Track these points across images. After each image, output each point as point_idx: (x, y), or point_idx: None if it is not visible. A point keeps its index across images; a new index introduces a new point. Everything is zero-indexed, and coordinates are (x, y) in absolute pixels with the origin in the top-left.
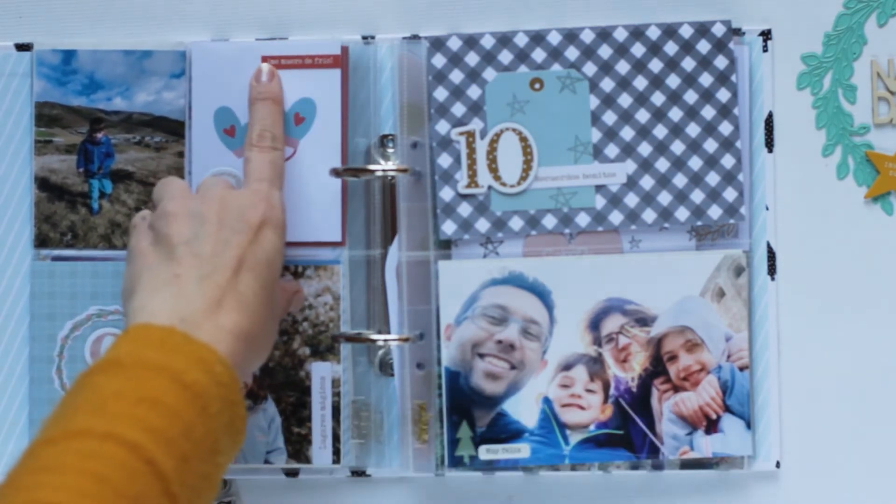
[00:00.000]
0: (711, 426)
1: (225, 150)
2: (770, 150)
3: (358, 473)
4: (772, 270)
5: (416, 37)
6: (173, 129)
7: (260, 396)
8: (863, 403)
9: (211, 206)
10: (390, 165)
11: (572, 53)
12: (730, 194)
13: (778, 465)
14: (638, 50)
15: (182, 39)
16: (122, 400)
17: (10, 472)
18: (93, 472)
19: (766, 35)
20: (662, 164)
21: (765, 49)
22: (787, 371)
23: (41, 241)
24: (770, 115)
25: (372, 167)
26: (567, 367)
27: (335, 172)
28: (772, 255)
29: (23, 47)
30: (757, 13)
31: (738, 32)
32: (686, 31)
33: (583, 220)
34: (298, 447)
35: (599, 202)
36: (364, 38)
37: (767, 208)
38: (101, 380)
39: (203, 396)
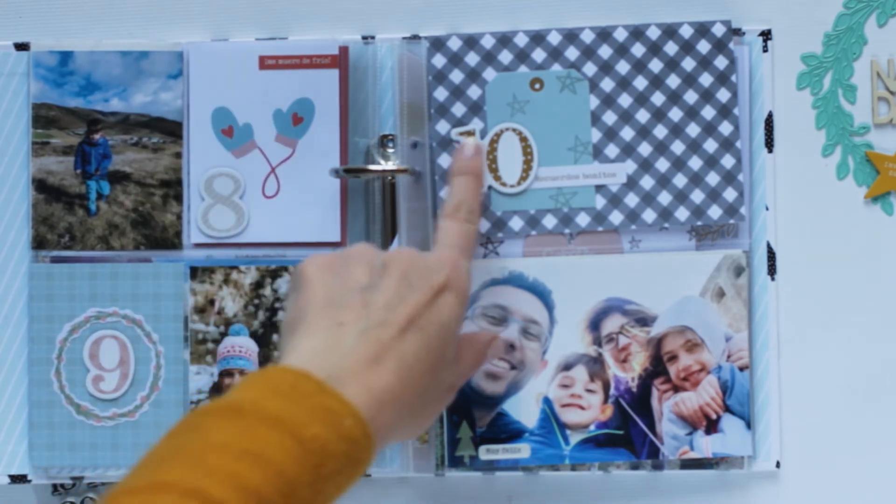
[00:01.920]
0: (711, 426)
1: (223, 151)
2: (770, 150)
3: None
4: (772, 270)
5: (416, 37)
6: (171, 129)
7: None
8: (863, 403)
9: (397, 260)
10: (390, 165)
11: (572, 53)
12: (730, 194)
13: (778, 465)
14: (638, 50)
15: (181, 40)
16: (225, 452)
17: None
18: None
19: (766, 35)
20: (662, 164)
21: (765, 49)
22: (787, 371)
23: (39, 243)
24: (770, 115)
25: (372, 167)
26: (567, 367)
27: (335, 172)
28: (772, 255)
29: (21, 47)
30: (757, 13)
31: (738, 32)
32: (686, 32)
33: (583, 220)
34: None
35: (599, 202)
36: (364, 38)
37: (767, 208)
38: (212, 423)
39: (319, 454)
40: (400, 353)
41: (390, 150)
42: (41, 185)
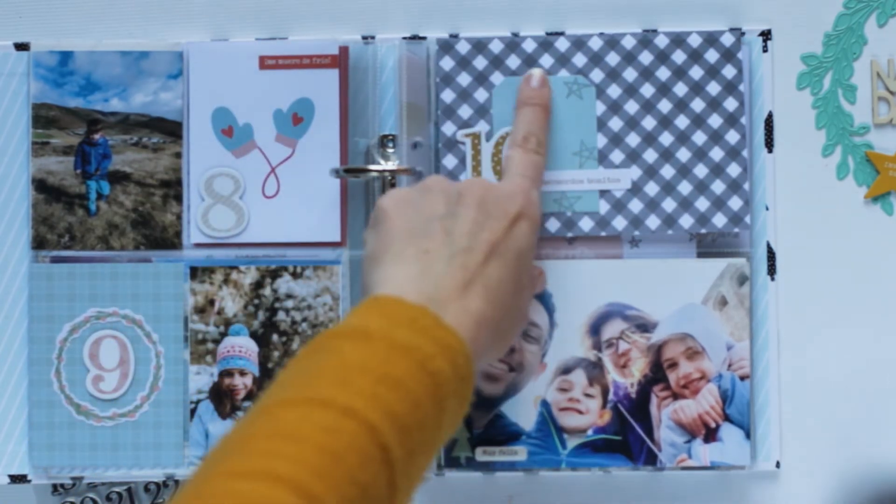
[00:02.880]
0: (710, 435)
1: (223, 151)
2: (770, 151)
3: None
4: (772, 271)
5: (416, 37)
6: (171, 129)
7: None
8: (863, 403)
9: (472, 189)
10: (390, 165)
11: (580, 60)
12: (735, 203)
13: (778, 465)
14: (646, 58)
15: (181, 39)
16: (367, 375)
17: (240, 427)
18: (331, 449)
19: (766, 35)
20: (668, 171)
21: (765, 49)
22: (787, 370)
23: (39, 243)
24: (770, 115)
25: (372, 167)
26: (566, 370)
27: (335, 172)
28: (772, 256)
29: (21, 47)
30: (757, 13)
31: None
32: (694, 41)
33: (586, 224)
34: None
35: (603, 207)
36: (364, 38)
37: (767, 208)
38: (346, 346)
39: (443, 387)
40: (486, 279)
41: (390, 150)
42: (41, 185)
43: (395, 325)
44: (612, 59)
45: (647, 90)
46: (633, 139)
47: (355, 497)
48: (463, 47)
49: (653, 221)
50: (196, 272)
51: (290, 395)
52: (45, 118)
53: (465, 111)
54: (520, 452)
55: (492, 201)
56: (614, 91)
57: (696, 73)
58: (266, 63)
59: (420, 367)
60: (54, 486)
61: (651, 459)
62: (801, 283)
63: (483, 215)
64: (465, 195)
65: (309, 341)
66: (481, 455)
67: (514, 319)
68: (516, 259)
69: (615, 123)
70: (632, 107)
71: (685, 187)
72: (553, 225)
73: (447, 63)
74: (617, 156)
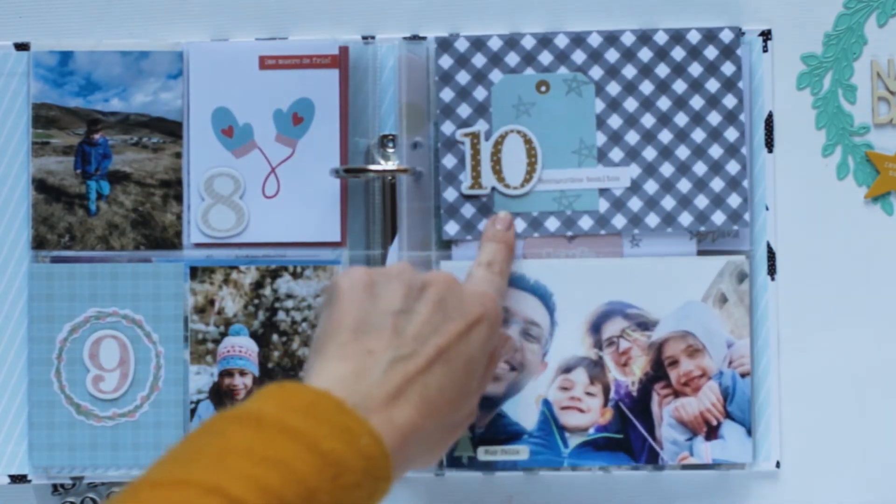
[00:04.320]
0: (711, 432)
1: (223, 151)
2: (770, 151)
3: None
4: (772, 270)
5: (416, 37)
6: (171, 129)
7: None
8: (863, 402)
9: (436, 285)
10: (390, 165)
11: (579, 57)
12: (734, 200)
13: (778, 464)
14: (645, 55)
15: (181, 40)
16: (246, 457)
17: (110, 502)
18: None
19: (766, 35)
20: (667, 169)
21: (765, 49)
22: (787, 370)
23: (39, 243)
24: (770, 115)
25: (372, 167)
26: (567, 369)
27: (335, 172)
28: (772, 256)
29: (21, 47)
30: (757, 13)
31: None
32: (694, 37)
33: (586, 223)
34: None
35: (603, 206)
36: (364, 38)
37: (767, 208)
38: (232, 430)
39: (337, 465)
40: (424, 387)
41: (390, 150)
42: (41, 185)
43: (290, 410)
44: (612, 55)
45: (647, 87)
46: (632, 137)
47: None
48: (462, 45)
49: (652, 219)
50: (196, 272)
51: (160, 476)
52: (45, 118)
53: (464, 110)
54: (522, 452)
55: (453, 301)
56: (613, 88)
57: (696, 70)
58: (266, 63)
59: (308, 449)
60: (54, 486)
61: (653, 457)
62: (801, 283)
63: (440, 315)
64: (426, 290)
65: (204, 421)
66: (483, 454)
67: (452, 425)
68: (465, 365)
69: (614, 121)
70: (631, 104)
71: (684, 185)
72: (553, 224)
73: (446, 61)
74: (616, 154)
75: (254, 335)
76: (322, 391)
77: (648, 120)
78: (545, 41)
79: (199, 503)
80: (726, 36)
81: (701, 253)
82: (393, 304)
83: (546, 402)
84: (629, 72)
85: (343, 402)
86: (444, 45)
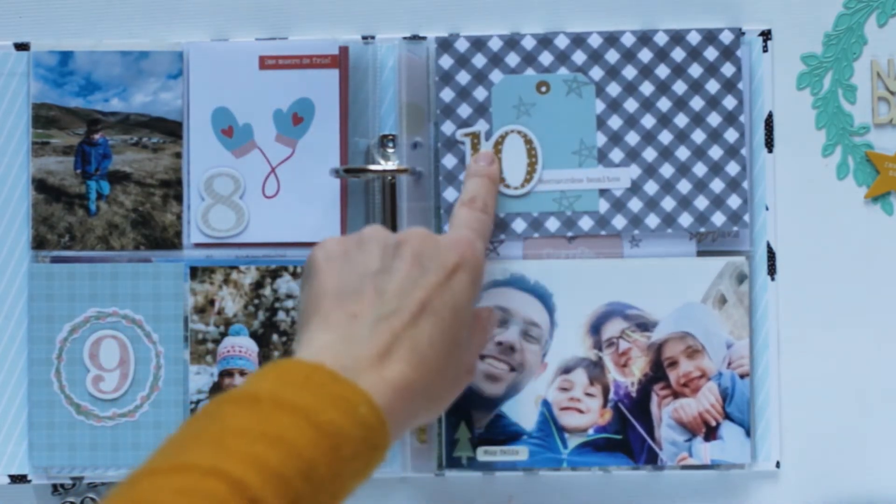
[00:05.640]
0: (711, 433)
1: (223, 151)
2: (770, 151)
3: None
4: (771, 271)
5: (416, 37)
6: (171, 129)
7: None
8: (862, 403)
9: (410, 241)
10: (390, 165)
11: (579, 57)
12: (734, 201)
13: (778, 464)
14: (645, 55)
15: (181, 39)
16: (243, 436)
17: (110, 495)
18: None
19: (766, 35)
20: (667, 170)
21: (765, 49)
22: (787, 370)
23: (39, 243)
24: (770, 115)
25: (372, 167)
26: (567, 370)
27: (335, 172)
28: (771, 256)
29: (21, 47)
30: (757, 13)
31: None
32: (694, 38)
33: (586, 223)
34: None
35: (603, 206)
36: (364, 38)
37: (767, 208)
38: (229, 411)
39: (335, 437)
40: (413, 341)
41: (390, 150)
42: (41, 185)
43: (285, 385)
44: (612, 56)
45: (647, 88)
46: (632, 137)
47: None
48: (462, 45)
49: (652, 220)
50: (196, 272)
51: (158, 463)
52: (45, 118)
53: (464, 110)
54: (521, 452)
55: (430, 253)
56: (614, 89)
57: (696, 70)
58: (266, 63)
59: (306, 422)
60: (54, 486)
61: (652, 458)
62: (801, 283)
63: (418, 270)
64: (402, 247)
65: (201, 407)
66: (482, 455)
67: (451, 377)
68: (452, 314)
69: (615, 122)
70: (631, 105)
71: (684, 186)
72: (553, 224)
73: (446, 61)
74: (616, 154)
75: (254, 335)
76: (317, 364)
77: (649, 121)
78: (545, 42)
79: (198, 486)
80: (726, 37)
81: (701, 253)
82: (370, 265)
83: (545, 403)
84: (629, 72)
85: (338, 372)
86: (445, 45)
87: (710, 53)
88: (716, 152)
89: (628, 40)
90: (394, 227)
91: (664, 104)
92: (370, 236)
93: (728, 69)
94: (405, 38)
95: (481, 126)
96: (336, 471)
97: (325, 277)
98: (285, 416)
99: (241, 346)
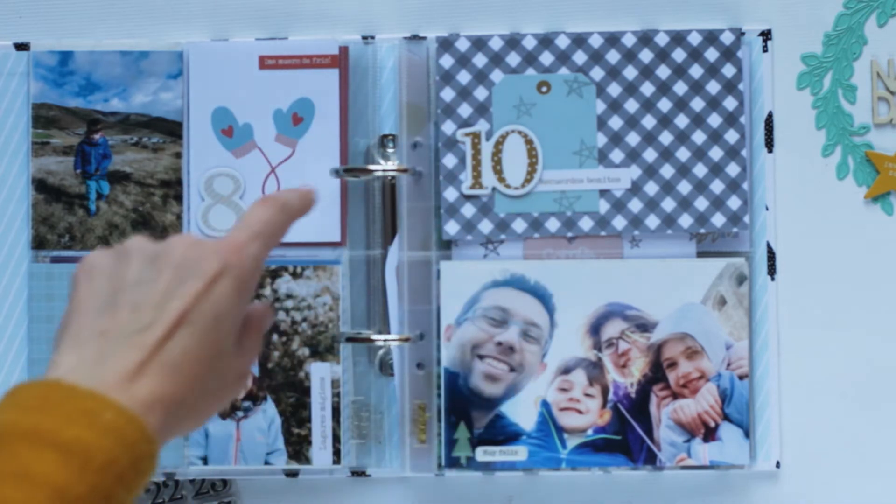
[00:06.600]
0: (709, 434)
1: (223, 151)
2: (770, 150)
3: (358, 474)
4: (771, 270)
5: (416, 37)
6: (171, 129)
7: (259, 397)
8: (863, 402)
9: (172, 250)
10: (390, 165)
11: (580, 57)
12: (734, 202)
13: (778, 465)
14: (646, 56)
15: (181, 40)
16: None
17: None
18: None
19: (766, 35)
20: (667, 171)
21: (765, 49)
22: (786, 370)
23: (39, 243)
24: (770, 115)
25: (372, 167)
26: (566, 370)
27: (335, 172)
28: (771, 256)
29: (21, 47)
30: (757, 13)
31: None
32: (694, 39)
33: (586, 224)
34: (298, 448)
35: (603, 207)
36: (364, 38)
37: (767, 208)
38: None
39: (84, 452)
40: (168, 355)
41: (390, 150)
42: (41, 185)
43: (23, 411)
44: (613, 56)
45: (647, 89)
46: (632, 138)
47: None
48: (462, 45)
49: (652, 221)
50: None
51: None
52: (45, 118)
53: (464, 110)
54: (520, 452)
55: (191, 261)
56: (614, 89)
57: (696, 71)
58: (266, 63)
59: (47, 446)
60: None
61: (651, 459)
62: (801, 283)
63: (177, 280)
64: (162, 258)
65: None
66: (482, 455)
67: (213, 388)
68: (213, 324)
69: (615, 122)
70: (632, 105)
71: (685, 187)
72: (553, 224)
73: (447, 61)
74: (617, 155)
75: None
76: (52, 381)
77: (649, 121)
78: (546, 42)
79: None
80: (727, 38)
81: (700, 254)
82: (127, 278)
83: (545, 403)
84: (630, 73)
85: (76, 385)
86: (445, 44)
87: (711, 54)
88: (716, 153)
89: (629, 41)
90: (394, 227)
91: (665, 105)
92: (132, 248)
93: (729, 70)
94: (405, 38)
95: (482, 126)
96: (92, 483)
97: (82, 294)
98: (27, 447)
99: None
